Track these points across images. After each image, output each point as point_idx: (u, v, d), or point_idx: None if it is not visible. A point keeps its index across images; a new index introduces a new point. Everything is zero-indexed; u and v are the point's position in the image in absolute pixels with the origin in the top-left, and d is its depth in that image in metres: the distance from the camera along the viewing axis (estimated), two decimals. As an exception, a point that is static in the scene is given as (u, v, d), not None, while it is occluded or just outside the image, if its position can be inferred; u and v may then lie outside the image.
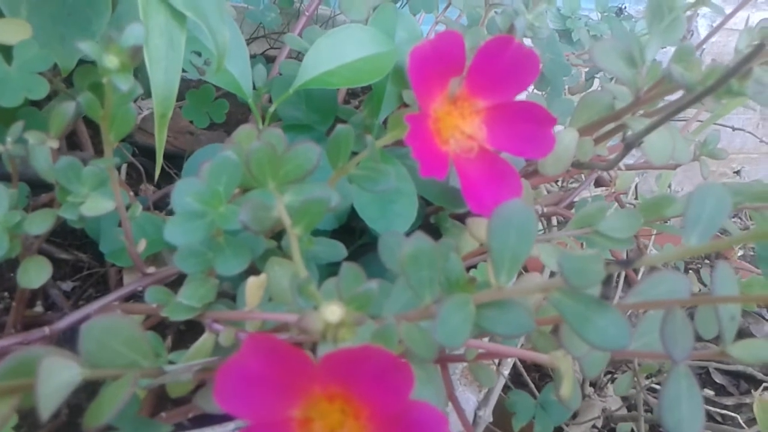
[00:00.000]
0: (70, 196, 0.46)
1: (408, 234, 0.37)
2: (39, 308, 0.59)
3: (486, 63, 0.45)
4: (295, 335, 0.40)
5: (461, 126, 0.46)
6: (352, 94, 0.96)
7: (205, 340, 0.41)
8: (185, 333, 0.60)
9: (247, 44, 1.01)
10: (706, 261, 1.64)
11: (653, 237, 1.25)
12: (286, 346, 0.27)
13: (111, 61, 0.36)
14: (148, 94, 0.48)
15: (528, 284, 0.36)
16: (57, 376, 0.32)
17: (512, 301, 0.36)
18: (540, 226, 0.78)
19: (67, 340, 0.44)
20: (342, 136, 0.44)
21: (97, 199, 0.46)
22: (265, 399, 0.28)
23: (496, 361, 0.74)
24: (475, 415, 0.71)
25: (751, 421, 1.10)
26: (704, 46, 0.87)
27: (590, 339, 0.33)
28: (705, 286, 1.24)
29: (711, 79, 0.43)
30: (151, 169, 0.70)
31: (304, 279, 0.32)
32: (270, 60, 0.80)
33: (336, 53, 0.58)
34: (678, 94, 0.53)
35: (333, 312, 0.30)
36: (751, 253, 1.81)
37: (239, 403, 0.27)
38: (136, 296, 0.52)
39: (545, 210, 0.71)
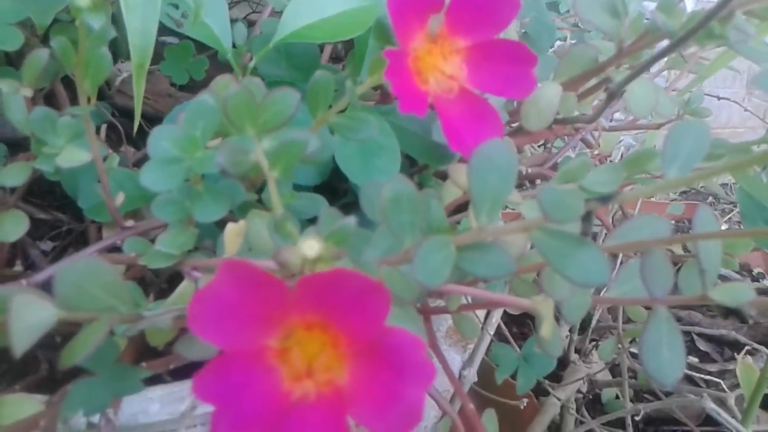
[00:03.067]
0: (46, 147, 0.46)
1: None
2: (18, 268, 0.58)
3: (466, -1, 0.44)
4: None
5: (441, 65, 0.45)
6: (335, 58, 0.95)
7: (184, 287, 0.40)
8: (167, 291, 0.59)
9: (229, 8, 0.99)
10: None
11: (638, 206, 1.26)
12: (263, 273, 0.27)
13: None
14: (127, 56, 0.47)
15: (508, 225, 0.36)
16: (31, 314, 0.31)
17: (493, 243, 0.36)
18: (525, 186, 0.77)
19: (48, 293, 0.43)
20: (320, 83, 0.43)
21: (73, 150, 0.45)
22: (240, 327, 0.28)
23: (482, 322, 0.74)
24: (460, 374, 0.71)
25: (735, 387, 1.11)
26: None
27: (571, 275, 0.33)
28: (688, 251, 1.25)
29: (692, 24, 0.43)
30: (131, 131, 0.70)
31: (282, 217, 0.32)
32: (252, 24, 0.79)
33: (316, 7, 0.57)
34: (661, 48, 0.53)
35: (311, 246, 0.29)
36: (737, 226, 1.82)
37: (214, 331, 0.27)
38: (115, 251, 0.52)
39: (529, 171, 0.71)
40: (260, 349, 0.28)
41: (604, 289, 0.48)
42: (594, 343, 1.19)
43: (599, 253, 0.33)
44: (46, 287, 0.45)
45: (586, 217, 0.33)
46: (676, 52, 0.47)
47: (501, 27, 0.46)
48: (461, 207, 0.58)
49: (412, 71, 0.43)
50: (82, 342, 0.33)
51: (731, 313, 1.37)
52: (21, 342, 0.30)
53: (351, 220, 0.31)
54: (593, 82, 0.60)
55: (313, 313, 0.28)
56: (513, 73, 0.46)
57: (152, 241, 0.45)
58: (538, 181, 0.82)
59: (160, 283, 0.58)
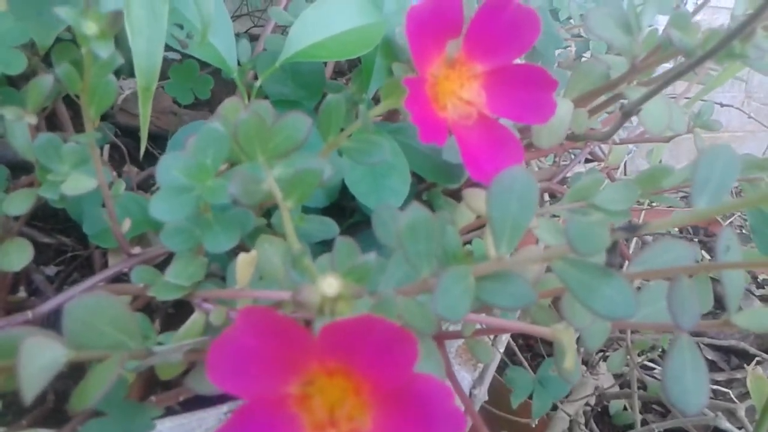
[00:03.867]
0: (50, 174, 0.45)
1: (401, 210, 0.36)
2: (22, 294, 0.57)
3: (484, 23, 0.43)
4: (289, 313, 0.38)
5: (459, 91, 0.44)
6: (338, 72, 0.94)
7: (195, 320, 0.39)
8: (173, 316, 0.58)
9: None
10: (694, 240, 1.64)
11: (642, 214, 1.25)
12: (283, 319, 0.26)
13: (90, 27, 0.35)
14: (129, 73, 0.46)
15: (529, 254, 0.35)
16: (40, 357, 0.30)
17: (513, 273, 0.35)
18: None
19: (51, 325, 0.42)
20: (333, 106, 0.42)
21: (78, 177, 0.44)
22: (260, 375, 0.26)
23: (491, 339, 0.73)
24: (470, 393, 0.70)
25: (743, 396, 1.10)
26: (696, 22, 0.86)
27: (596, 308, 0.32)
28: (696, 262, 1.24)
29: (711, 43, 0.42)
30: (135, 151, 0.69)
31: (299, 251, 0.31)
32: (254, 38, 0.78)
33: (323, 25, 0.56)
34: (670, 65, 0.52)
35: (330, 285, 0.28)
36: (738, 231, 1.82)
37: (233, 380, 0.26)
38: (121, 279, 0.51)
39: (538, 185, 0.70)
40: (281, 397, 0.27)
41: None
42: (602, 354, 1.18)
43: (625, 285, 0.32)
44: (52, 317, 0.44)
45: (612, 248, 0.32)
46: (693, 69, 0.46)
47: (521, 51, 0.45)
48: (472, 228, 0.57)
49: (430, 98, 0.42)
50: (93, 383, 0.32)
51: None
52: (32, 386, 0.29)
53: (371, 257, 0.30)
54: (604, 97, 0.59)
55: (336, 359, 0.27)
56: (532, 98, 0.45)
57: (157, 267, 0.44)
58: (547, 196, 0.81)
59: (166, 308, 0.57)
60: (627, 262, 0.39)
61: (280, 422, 0.27)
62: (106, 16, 0.34)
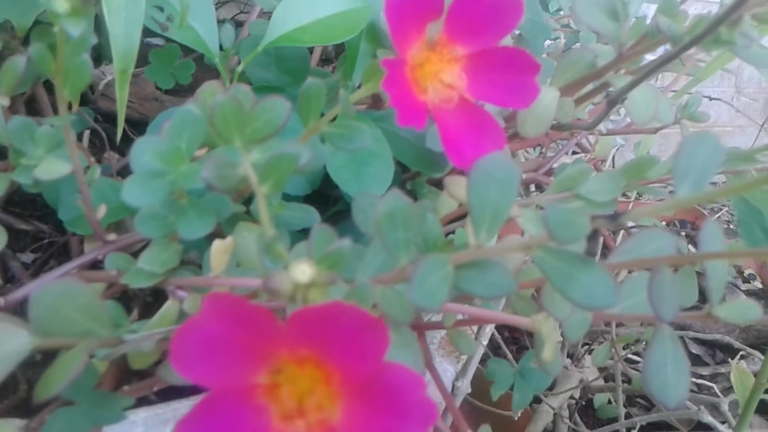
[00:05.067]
0: (24, 158, 0.44)
1: (382, 198, 0.35)
2: (-2, 280, 0.56)
3: (466, 5, 0.42)
4: (265, 302, 0.38)
5: (440, 74, 0.43)
6: (325, 59, 0.93)
7: (168, 307, 0.38)
8: (152, 305, 0.57)
9: (216, 9, 0.97)
10: (681, 234, 1.64)
11: (631, 206, 1.25)
12: (250, 306, 0.25)
13: (61, 4, 0.34)
14: (110, 59, 0.45)
15: (509, 243, 0.34)
16: (5, 344, 0.29)
17: (492, 261, 0.34)
18: (519, 193, 0.76)
19: (24, 312, 0.41)
20: (312, 91, 0.42)
21: (52, 161, 0.43)
22: (226, 364, 0.26)
23: (475, 331, 0.73)
24: (453, 385, 0.70)
25: (727, 390, 1.10)
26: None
27: (575, 297, 0.31)
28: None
29: (699, 29, 0.41)
30: (116, 137, 0.67)
31: (271, 237, 0.30)
32: (240, 24, 0.77)
33: (307, 9, 0.55)
34: (661, 53, 0.51)
35: (303, 271, 0.28)
36: (725, 226, 1.82)
37: (198, 369, 0.25)
38: (97, 266, 0.50)
39: (524, 176, 0.69)
40: (248, 386, 0.27)
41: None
42: (587, 347, 1.18)
43: (605, 275, 0.31)
44: (26, 305, 0.43)
45: (592, 236, 0.31)
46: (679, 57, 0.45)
47: (502, 34, 0.44)
48: (456, 217, 0.56)
49: (410, 81, 0.42)
50: (59, 372, 0.31)
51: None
52: (-6, 373, 0.28)
53: (345, 243, 0.29)
54: (590, 86, 0.59)
55: (305, 347, 0.26)
56: (515, 82, 0.44)
57: (135, 255, 0.43)
58: (533, 187, 0.80)
59: (144, 296, 0.56)
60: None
61: (247, 412, 0.27)
62: (77, -6, 0.33)
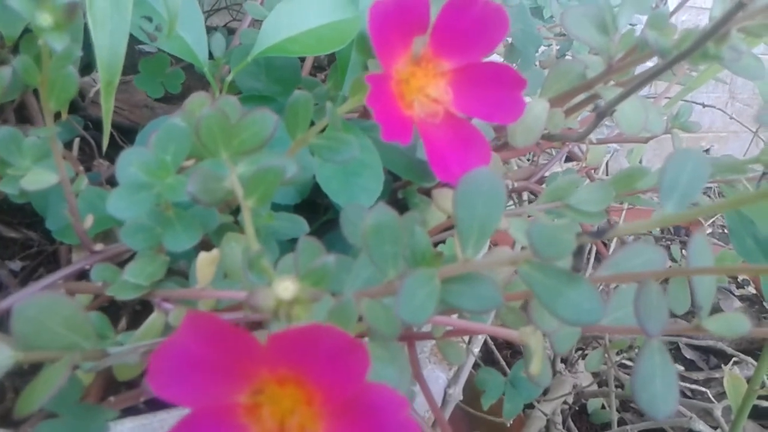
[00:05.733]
0: (11, 169, 0.43)
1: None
2: (-15, 289, 0.56)
3: (452, 19, 0.42)
4: (251, 315, 0.37)
5: (426, 89, 0.43)
6: (318, 67, 0.93)
7: (154, 319, 0.38)
8: (141, 313, 0.57)
9: (208, 16, 0.97)
10: (675, 240, 1.65)
11: (624, 214, 1.25)
12: (230, 327, 0.25)
13: (45, 18, 0.33)
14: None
15: (496, 257, 0.34)
16: (-15, 359, 0.29)
17: (480, 275, 0.34)
18: (510, 202, 0.76)
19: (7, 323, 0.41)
20: (300, 103, 0.41)
21: (38, 172, 0.43)
22: (207, 384, 0.25)
23: (466, 338, 0.73)
24: (445, 393, 0.70)
25: (720, 395, 1.10)
26: (674, 23, 0.86)
27: (561, 314, 0.31)
28: (675, 262, 1.24)
29: (686, 43, 0.41)
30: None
31: (255, 252, 0.30)
32: (232, 32, 0.77)
33: (297, 19, 0.55)
34: (650, 65, 0.51)
35: (286, 288, 0.27)
36: (720, 231, 1.83)
37: (177, 389, 0.25)
38: (85, 275, 0.49)
39: (516, 185, 0.69)
40: (229, 406, 0.26)
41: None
42: (580, 352, 1.18)
43: (592, 291, 0.31)
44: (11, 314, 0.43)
45: (578, 252, 0.31)
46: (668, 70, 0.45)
47: (488, 49, 0.44)
48: (446, 226, 0.56)
49: (395, 96, 0.41)
50: (41, 385, 0.31)
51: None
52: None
53: (330, 259, 0.29)
54: (581, 97, 0.59)
55: (286, 368, 0.26)
56: (501, 97, 0.44)
57: (123, 264, 0.43)
58: (525, 195, 0.80)
59: (133, 305, 0.56)
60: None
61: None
62: (62, 8, 0.33)
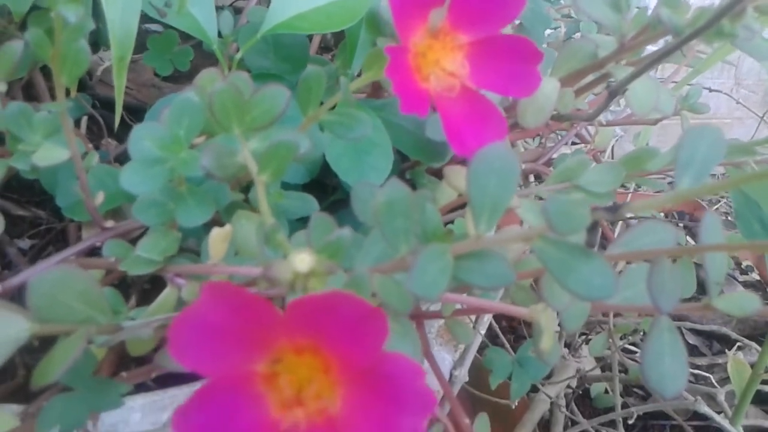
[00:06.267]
0: (22, 144, 0.43)
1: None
2: (-6, 266, 0.56)
3: (469, -9, 0.42)
4: (263, 290, 0.38)
5: (442, 62, 0.43)
6: (325, 48, 0.93)
7: (167, 294, 0.38)
8: (150, 292, 0.57)
9: (215, -5, 0.96)
10: (679, 225, 1.64)
11: (629, 197, 1.25)
12: (249, 295, 0.25)
13: (58, -10, 0.33)
14: (108, 44, 0.45)
15: (509, 233, 0.34)
16: (3, 331, 0.29)
17: (492, 252, 0.34)
18: (518, 183, 0.76)
19: (23, 298, 0.41)
20: (312, 79, 0.41)
21: (49, 147, 0.43)
22: (225, 352, 0.26)
23: (473, 320, 0.73)
24: (451, 374, 0.70)
25: (724, 381, 1.11)
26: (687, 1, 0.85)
27: (574, 288, 0.31)
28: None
29: (700, 21, 0.41)
30: (113, 123, 0.67)
31: (272, 226, 0.30)
32: (239, 11, 0.77)
33: (306, -4, 0.55)
34: (663, 44, 0.51)
35: (302, 260, 0.27)
36: (723, 218, 1.82)
37: (197, 357, 0.25)
38: (95, 253, 0.50)
39: (523, 166, 0.69)
40: (246, 375, 0.27)
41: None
42: (584, 337, 1.18)
43: (605, 266, 0.31)
44: (23, 291, 0.43)
45: (592, 228, 0.31)
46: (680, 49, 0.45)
47: (506, 22, 0.44)
48: (455, 206, 0.56)
49: (412, 69, 0.41)
50: (57, 358, 0.31)
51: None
52: (-9, 360, 0.28)
53: (346, 232, 0.29)
54: (591, 77, 0.59)
55: (304, 337, 0.26)
56: (517, 70, 0.44)
57: (133, 242, 0.43)
58: (532, 177, 0.80)
59: (142, 284, 0.56)
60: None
61: (245, 400, 0.27)
62: (76, -21, 0.33)
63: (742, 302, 0.39)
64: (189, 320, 0.25)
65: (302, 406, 0.27)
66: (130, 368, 0.47)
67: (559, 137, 0.79)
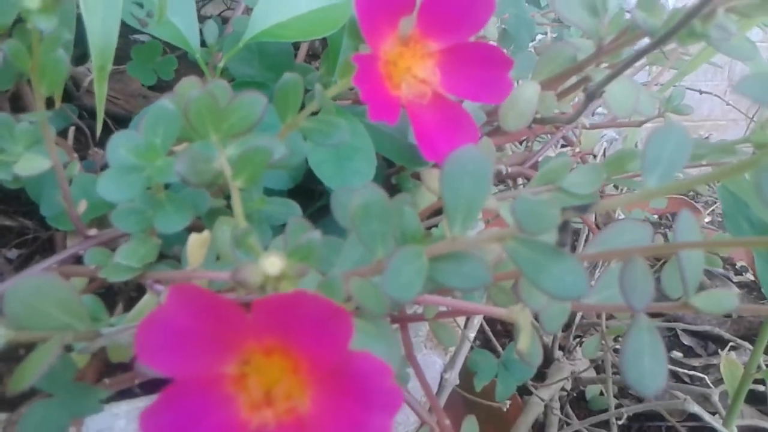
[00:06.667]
0: (3, 154, 0.44)
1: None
2: (-19, 277, 0.56)
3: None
4: (242, 296, 0.38)
5: (413, 70, 0.43)
6: (312, 56, 0.93)
7: (146, 301, 0.39)
8: (136, 300, 0.57)
9: (203, 5, 0.97)
10: (673, 228, 1.64)
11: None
12: (215, 297, 0.25)
13: (32, 1, 0.34)
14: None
15: (483, 235, 0.35)
16: (-24, 338, 0.29)
17: (468, 253, 0.34)
18: (504, 187, 0.76)
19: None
20: (289, 85, 0.42)
21: (31, 157, 0.43)
22: (193, 355, 0.26)
23: (462, 324, 0.73)
24: (441, 377, 0.70)
25: (719, 381, 1.11)
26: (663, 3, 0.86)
27: (546, 287, 0.31)
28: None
29: (674, 22, 0.41)
30: (102, 134, 0.68)
31: (243, 230, 0.30)
32: (225, 21, 0.77)
33: (288, 5, 0.55)
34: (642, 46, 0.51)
35: (272, 264, 0.28)
36: (719, 219, 1.83)
37: (164, 360, 0.25)
38: (80, 261, 0.50)
39: (510, 170, 0.69)
40: (215, 376, 0.27)
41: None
42: (578, 339, 1.18)
43: (576, 265, 0.32)
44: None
45: (563, 227, 0.32)
46: (658, 49, 0.46)
47: (475, 29, 0.44)
48: (439, 211, 0.57)
49: (382, 76, 0.42)
50: (33, 364, 0.31)
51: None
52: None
53: (316, 235, 0.30)
54: (573, 80, 0.59)
55: (271, 337, 0.26)
56: (488, 77, 0.44)
57: (116, 249, 0.43)
58: (520, 180, 0.81)
59: (128, 291, 0.56)
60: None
61: (214, 402, 0.27)
62: (49, -10, 0.33)
63: (720, 300, 0.39)
64: (155, 323, 0.25)
65: (272, 406, 0.27)
66: (115, 375, 0.47)
67: (547, 140, 0.79)
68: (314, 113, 0.45)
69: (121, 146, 0.36)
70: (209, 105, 0.37)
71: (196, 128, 0.37)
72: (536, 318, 0.41)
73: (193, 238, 0.38)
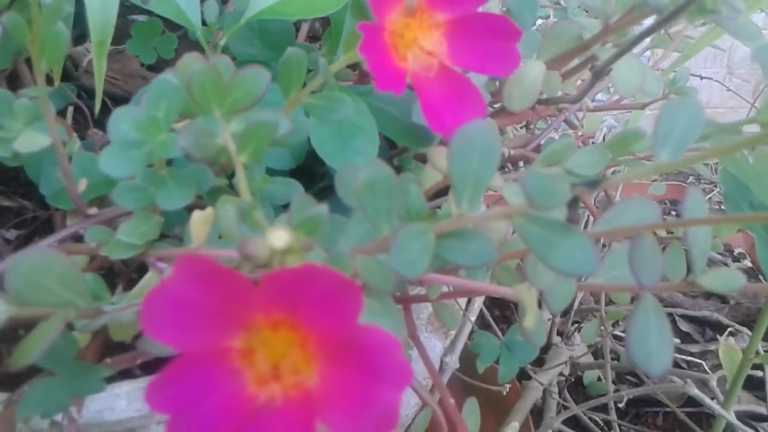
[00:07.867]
0: (2, 131, 0.43)
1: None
2: (-20, 257, 0.56)
3: (445, -31, 0.42)
4: (247, 273, 0.37)
5: (420, 41, 0.42)
6: (313, 37, 0.92)
7: (148, 279, 0.38)
8: (137, 281, 0.57)
9: (202, -15, 0.96)
10: (672, 213, 1.65)
11: (620, 187, 1.25)
12: (223, 269, 0.25)
13: (31, -29, 0.33)
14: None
15: (491, 211, 0.34)
16: (-22, 313, 0.29)
17: (474, 231, 0.34)
18: (506, 170, 0.76)
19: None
20: (293, 61, 0.41)
21: (31, 134, 0.43)
22: (200, 327, 0.25)
23: (463, 307, 0.73)
24: (442, 361, 0.70)
25: (716, 367, 1.11)
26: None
27: (555, 264, 0.31)
28: (671, 233, 1.24)
29: (683, -1, 0.41)
30: (100, 114, 0.67)
31: (248, 204, 0.30)
32: (225, 2, 0.76)
33: (290, -18, 0.54)
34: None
35: (279, 237, 0.27)
36: (716, 207, 1.83)
37: (170, 333, 0.25)
38: (80, 241, 0.49)
39: (512, 152, 0.69)
40: (222, 350, 0.26)
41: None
42: (576, 325, 1.18)
43: (586, 241, 0.31)
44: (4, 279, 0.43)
45: (573, 203, 0.31)
46: (664, 29, 0.45)
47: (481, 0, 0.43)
48: (442, 191, 0.56)
49: (388, 47, 0.41)
50: (35, 340, 0.31)
51: (712, 293, 1.37)
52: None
53: (323, 208, 0.29)
54: (577, 60, 0.58)
55: (279, 311, 0.26)
56: (495, 48, 0.44)
57: (117, 228, 0.43)
58: (521, 163, 0.80)
59: (129, 273, 0.56)
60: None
61: (220, 376, 0.26)
62: (49, -40, 0.33)
63: (727, 279, 0.39)
64: (162, 295, 0.24)
65: (279, 380, 0.27)
66: (116, 355, 0.47)
67: (549, 123, 0.79)
68: (316, 91, 0.44)
69: (123, 120, 0.36)
70: (213, 79, 0.36)
71: (200, 103, 0.36)
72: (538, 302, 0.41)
73: (197, 215, 0.38)
